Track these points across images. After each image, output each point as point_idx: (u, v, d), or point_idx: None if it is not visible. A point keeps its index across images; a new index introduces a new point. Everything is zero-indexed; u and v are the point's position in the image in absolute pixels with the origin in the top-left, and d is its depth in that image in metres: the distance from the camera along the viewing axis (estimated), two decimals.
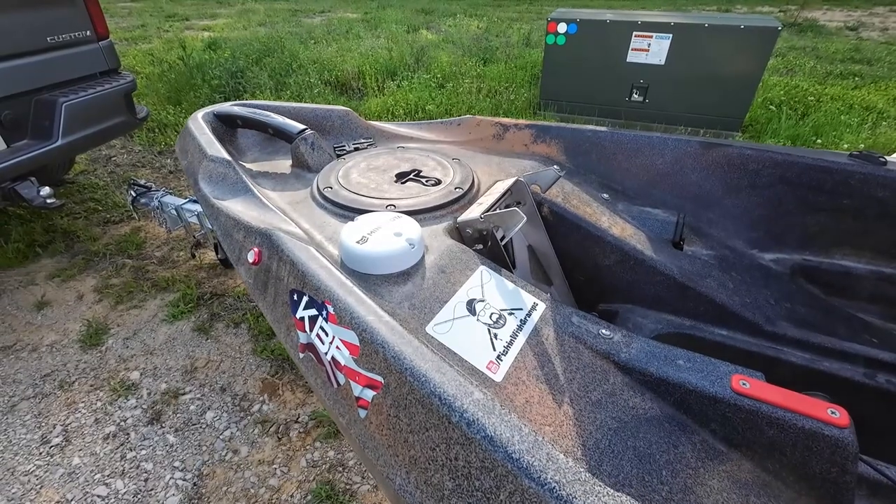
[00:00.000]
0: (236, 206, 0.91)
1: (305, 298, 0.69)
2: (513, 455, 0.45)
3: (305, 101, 4.52)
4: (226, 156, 1.02)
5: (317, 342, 0.66)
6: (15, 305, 2.28)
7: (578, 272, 1.03)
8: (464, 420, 0.49)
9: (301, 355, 0.69)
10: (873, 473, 0.60)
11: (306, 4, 11.28)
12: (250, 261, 0.81)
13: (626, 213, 1.06)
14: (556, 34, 4.01)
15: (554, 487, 0.42)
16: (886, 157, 1.06)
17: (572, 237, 0.99)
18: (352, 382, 0.61)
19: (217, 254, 2.42)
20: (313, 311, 0.68)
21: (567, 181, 1.07)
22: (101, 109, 2.54)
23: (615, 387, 0.65)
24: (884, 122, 4.13)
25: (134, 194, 2.40)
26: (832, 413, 0.56)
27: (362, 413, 0.60)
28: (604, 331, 0.71)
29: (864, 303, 1.02)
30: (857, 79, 5.27)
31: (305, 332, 0.69)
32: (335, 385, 0.64)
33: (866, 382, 0.81)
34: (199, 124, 1.17)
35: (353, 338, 0.61)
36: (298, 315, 0.70)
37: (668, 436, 0.61)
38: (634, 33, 3.79)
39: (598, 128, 1.21)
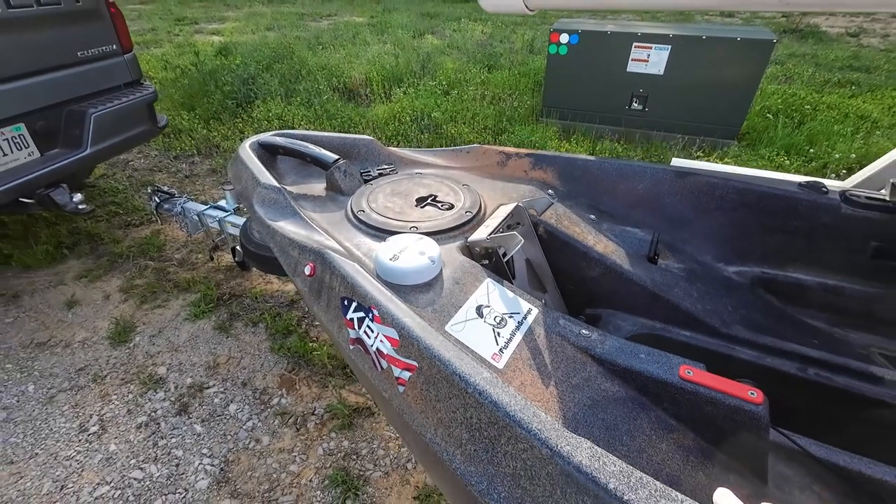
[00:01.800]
0: (288, 227, 1.08)
1: (354, 304, 0.88)
2: (510, 413, 0.63)
3: (315, 108, 4.67)
4: (275, 183, 1.18)
5: (364, 337, 0.86)
6: (46, 304, 2.44)
7: (568, 282, 1.19)
8: (476, 391, 0.67)
9: (351, 347, 0.87)
10: (789, 443, 0.75)
11: (313, 8, 11.44)
12: (307, 273, 0.98)
13: (610, 231, 1.22)
14: (559, 44, 4.15)
15: (536, 433, 0.60)
16: (829, 185, 1.21)
17: (563, 252, 1.15)
18: (393, 367, 0.80)
19: (234, 257, 2.57)
20: (361, 314, 0.87)
21: (559, 204, 1.23)
22: (126, 119, 2.70)
23: (591, 374, 0.81)
24: (877, 132, 4.24)
25: (158, 200, 2.55)
26: (751, 394, 0.72)
27: (401, 389, 0.79)
28: (583, 331, 0.88)
29: (813, 310, 1.18)
30: (854, 87, 5.38)
31: (355, 329, 0.87)
32: (379, 369, 0.83)
33: (798, 375, 0.97)
34: (247, 153, 1.33)
35: (394, 334, 0.80)
36: (349, 317, 0.89)
37: (629, 412, 0.77)
38: (634, 44, 3.92)
39: (588, 157, 1.37)
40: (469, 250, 1.03)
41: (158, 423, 1.83)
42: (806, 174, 1.24)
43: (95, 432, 1.79)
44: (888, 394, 0.91)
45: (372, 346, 0.83)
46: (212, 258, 2.75)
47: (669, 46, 3.83)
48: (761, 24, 8.49)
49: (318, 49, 6.75)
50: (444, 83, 5.26)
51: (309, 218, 1.11)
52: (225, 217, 2.29)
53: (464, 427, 0.68)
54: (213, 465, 1.68)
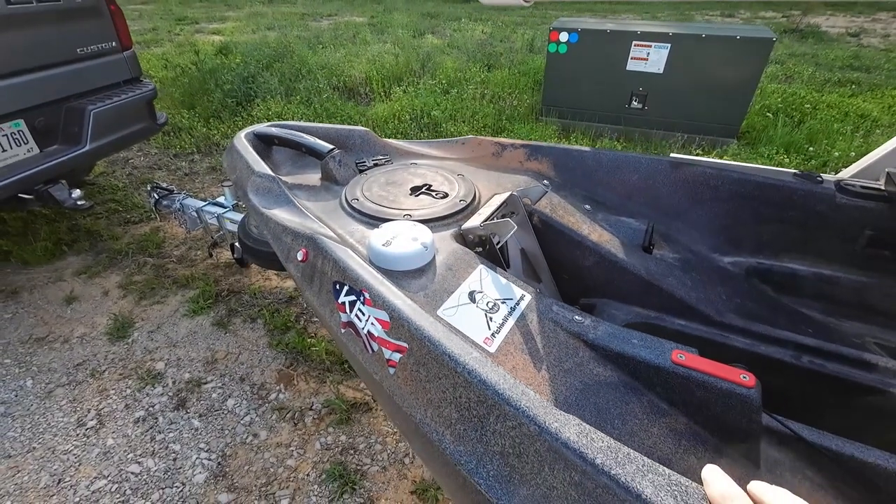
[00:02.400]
0: (282, 215, 1.08)
1: (346, 288, 0.88)
2: (498, 391, 0.63)
3: (315, 106, 4.68)
4: (270, 172, 1.18)
5: (355, 320, 0.85)
6: (46, 300, 2.44)
7: (563, 271, 1.19)
8: (465, 370, 0.67)
9: (343, 331, 0.87)
10: (781, 427, 0.75)
11: (314, 7, 11.46)
12: (299, 259, 0.98)
13: (605, 221, 1.22)
14: (558, 43, 4.15)
15: (525, 410, 0.60)
16: (823, 175, 1.21)
17: (558, 242, 1.15)
18: (383, 349, 0.80)
19: (233, 253, 2.57)
20: (353, 298, 0.86)
21: (554, 194, 1.23)
22: (125, 116, 2.71)
23: (583, 359, 0.81)
24: (877, 130, 4.24)
25: (157, 196, 2.56)
26: (743, 377, 0.72)
27: (391, 371, 0.79)
28: (577, 317, 0.88)
29: (808, 300, 1.18)
30: (854, 86, 5.38)
31: (346, 313, 0.87)
32: (370, 352, 0.83)
33: (792, 362, 0.97)
34: (242, 143, 1.33)
35: (384, 316, 0.80)
36: (340, 300, 0.88)
37: (622, 396, 0.77)
38: (634, 42, 3.92)
39: (583, 147, 1.37)
40: (463, 238, 1.03)
41: (156, 418, 1.83)
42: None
43: (93, 427, 1.80)
44: (881, 380, 0.91)
45: (363, 328, 0.83)
46: (211, 255, 2.75)
47: (669, 45, 3.83)
48: (761, 24, 8.49)
49: (319, 48, 6.76)
50: (443, 82, 5.26)
51: (303, 206, 1.11)
52: (223, 213, 2.29)
53: (453, 407, 0.68)
54: (210, 460, 1.68)
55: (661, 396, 0.78)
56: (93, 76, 2.59)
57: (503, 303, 0.86)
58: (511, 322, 0.83)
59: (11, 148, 2.20)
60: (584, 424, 0.56)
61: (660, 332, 1.03)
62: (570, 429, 0.56)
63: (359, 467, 1.66)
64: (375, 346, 0.81)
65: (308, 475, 1.64)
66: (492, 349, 0.77)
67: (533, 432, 0.58)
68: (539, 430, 0.57)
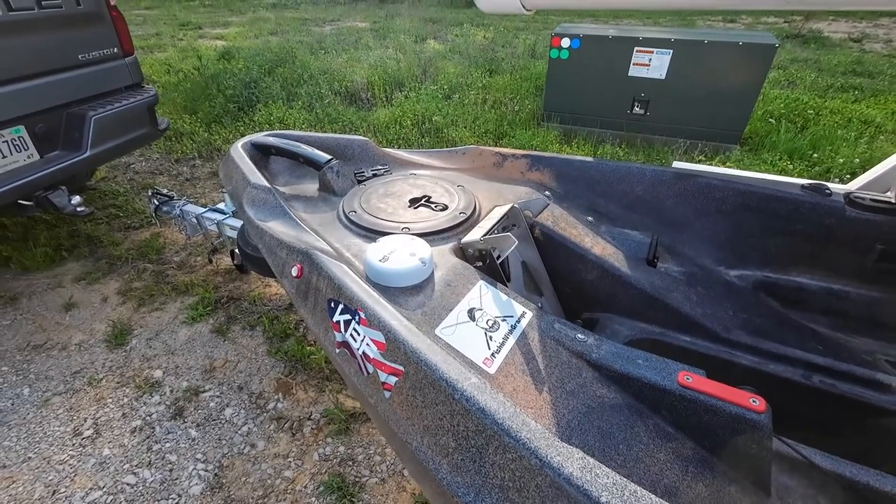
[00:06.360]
0: (278, 228, 1.06)
1: (341, 306, 0.85)
2: (497, 421, 0.61)
3: (316, 111, 4.68)
4: (266, 183, 1.17)
5: (350, 340, 0.83)
6: (44, 306, 2.43)
7: (565, 285, 1.17)
8: (463, 397, 0.65)
9: (337, 351, 0.85)
10: (792, 453, 0.73)
11: (316, 13, 11.50)
12: (294, 275, 0.96)
13: (608, 234, 1.20)
14: (560, 48, 4.14)
15: (525, 442, 0.58)
16: (832, 187, 1.19)
17: (560, 255, 1.13)
18: (379, 371, 0.77)
19: (233, 260, 2.55)
20: (347, 316, 0.84)
21: (557, 206, 1.21)
22: (126, 122, 2.70)
23: (586, 380, 0.79)
24: (881, 136, 4.21)
25: (157, 203, 2.55)
26: (753, 402, 0.69)
27: (387, 394, 0.76)
28: (579, 335, 0.85)
29: (816, 315, 1.15)
30: (857, 92, 5.36)
31: (341, 332, 0.84)
32: (365, 374, 0.80)
33: (802, 382, 0.95)
34: (239, 153, 1.32)
35: (380, 337, 0.77)
36: (335, 319, 0.86)
37: (626, 419, 0.75)
38: (636, 48, 3.91)
39: (586, 158, 1.35)
40: (462, 252, 1.01)
41: (153, 428, 1.81)
42: (809, 179, 1.23)
43: (89, 436, 1.78)
44: (895, 402, 0.89)
45: (358, 349, 0.81)
46: (210, 261, 2.74)
47: (671, 51, 3.82)
48: (764, 30, 8.49)
49: (321, 53, 6.78)
50: (445, 87, 5.26)
51: (299, 218, 1.09)
52: (223, 219, 2.28)
53: (451, 435, 0.66)
54: (206, 471, 1.66)
55: (667, 420, 0.76)
56: (94, 82, 2.59)
57: (503, 320, 0.84)
58: (512, 341, 0.80)
59: (11, 154, 2.20)
60: (588, 458, 0.54)
61: (664, 348, 1.00)
62: (574, 463, 0.54)
63: (357, 479, 1.64)
64: (371, 368, 0.79)
65: (306, 487, 1.61)
66: (491, 370, 0.75)
67: (534, 466, 0.56)
68: (540, 464, 0.55)
